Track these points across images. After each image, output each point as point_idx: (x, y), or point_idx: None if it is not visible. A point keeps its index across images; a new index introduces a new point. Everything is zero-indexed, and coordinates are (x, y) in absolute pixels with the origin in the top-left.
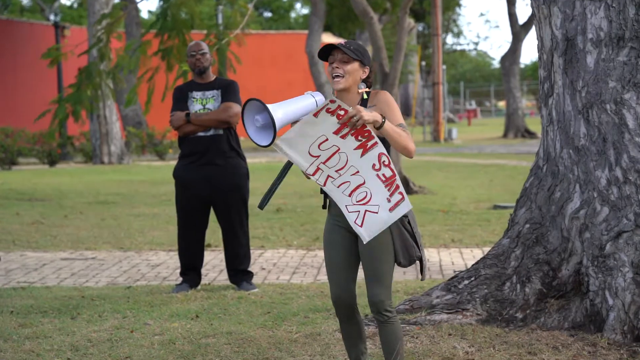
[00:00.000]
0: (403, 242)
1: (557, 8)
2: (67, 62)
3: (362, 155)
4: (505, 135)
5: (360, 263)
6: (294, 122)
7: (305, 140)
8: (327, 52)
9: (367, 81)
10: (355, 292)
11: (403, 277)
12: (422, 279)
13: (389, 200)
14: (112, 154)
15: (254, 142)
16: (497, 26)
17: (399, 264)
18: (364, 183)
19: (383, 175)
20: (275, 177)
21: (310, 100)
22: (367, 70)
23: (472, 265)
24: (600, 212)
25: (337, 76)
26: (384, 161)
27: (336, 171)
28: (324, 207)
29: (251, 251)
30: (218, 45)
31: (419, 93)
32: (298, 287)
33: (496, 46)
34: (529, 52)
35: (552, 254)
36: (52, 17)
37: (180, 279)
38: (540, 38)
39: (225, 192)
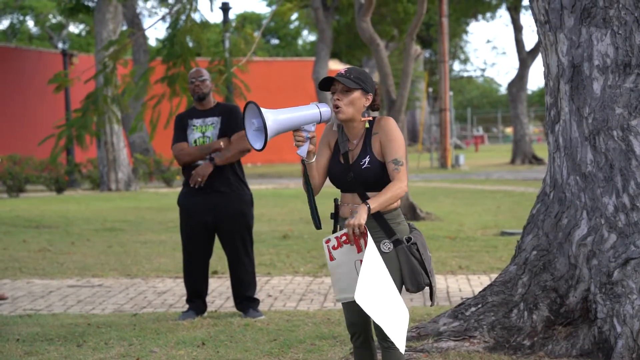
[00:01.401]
0: (411, 270)
1: (563, 35)
2: (75, 90)
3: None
4: (512, 162)
5: None
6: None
7: (350, 279)
8: (329, 82)
9: (373, 106)
10: (369, 317)
11: (410, 304)
12: (431, 305)
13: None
14: (119, 180)
15: (250, 144)
16: (504, 53)
17: (407, 290)
18: None
19: None
20: (305, 199)
21: (314, 110)
22: (370, 98)
23: (479, 292)
24: (607, 239)
25: (338, 107)
26: None
27: None
28: (333, 232)
29: (257, 278)
30: (227, 74)
31: (426, 119)
32: (305, 314)
33: (503, 73)
34: (536, 79)
35: (560, 281)
36: (60, 45)
37: (187, 306)
38: (546, 65)
39: (229, 219)
